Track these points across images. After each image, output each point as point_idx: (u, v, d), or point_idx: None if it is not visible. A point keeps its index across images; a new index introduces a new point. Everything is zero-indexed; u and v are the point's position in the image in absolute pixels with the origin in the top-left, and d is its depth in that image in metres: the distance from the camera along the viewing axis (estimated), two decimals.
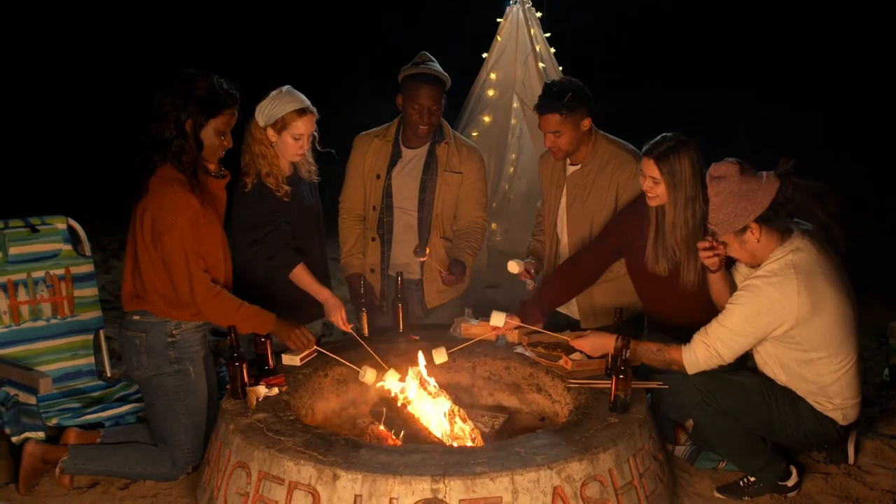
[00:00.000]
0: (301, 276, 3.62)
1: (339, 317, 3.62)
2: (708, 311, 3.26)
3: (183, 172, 3.07)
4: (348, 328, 3.62)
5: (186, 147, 3.06)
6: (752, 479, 3.27)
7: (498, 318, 3.60)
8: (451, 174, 3.93)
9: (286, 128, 3.54)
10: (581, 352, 3.43)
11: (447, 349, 3.52)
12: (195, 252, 3.09)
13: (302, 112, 3.54)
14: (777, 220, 3.05)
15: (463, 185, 3.96)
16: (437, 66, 3.86)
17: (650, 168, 3.34)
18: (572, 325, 3.92)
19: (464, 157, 3.97)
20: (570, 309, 3.99)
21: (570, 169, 3.84)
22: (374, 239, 4.04)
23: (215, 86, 3.09)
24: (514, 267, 3.80)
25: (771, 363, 3.22)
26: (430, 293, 4.03)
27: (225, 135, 3.16)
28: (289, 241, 3.64)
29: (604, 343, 3.36)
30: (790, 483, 3.28)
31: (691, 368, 3.20)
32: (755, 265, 3.15)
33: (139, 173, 3.08)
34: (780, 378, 3.21)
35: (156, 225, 3.05)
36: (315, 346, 3.53)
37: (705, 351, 3.14)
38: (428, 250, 3.82)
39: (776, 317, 3.04)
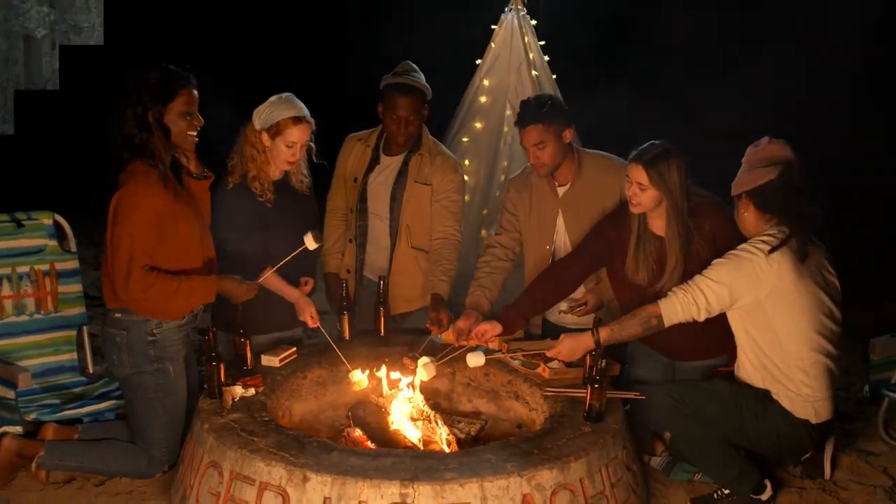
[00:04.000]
0: (269, 280, 3.59)
1: (307, 315, 3.65)
2: (689, 322, 3.27)
3: (154, 166, 3.08)
4: (317, 324, 3.65)
5: (150, 140, 3.07)
6: (727, 491, 3.27)
7: (477, 359, 3.51)
8: (419, 185, 3.92)
9: (280, 134, 3.53)
10: (559, 360, 3.44)
11: (431, 356, 3.49)
12: (143, 248, 3.06)
13: (297, 120, 3.53)
14: (769, 206, 3.18)
15: (434, 195, 3.94)
16: (418, 76, 3.86)
17: (638, 173, 3.33)
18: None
19: (436, 167, 3.93)
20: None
21: (561, 190, 3.80)
22: (351, 241, 4.06)
23: (165, 71, 3.10)
24: (476, 360, 3.51)
25: (745, 344, 3.26)
26: (397, 300, 4.02)
27: (192, 115, 3.15)
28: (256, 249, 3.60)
29: (580, 342, 3.35)
30: (764, 497, 3.28)
31: (668, 318, 3.23)
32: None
33: (112, 171, 3.10)
34: (752, 362, 3.25)
35: (115, 213, 3.06)
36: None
37: (683, 296, 3.20)
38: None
39: (757, 276, 3.12)
